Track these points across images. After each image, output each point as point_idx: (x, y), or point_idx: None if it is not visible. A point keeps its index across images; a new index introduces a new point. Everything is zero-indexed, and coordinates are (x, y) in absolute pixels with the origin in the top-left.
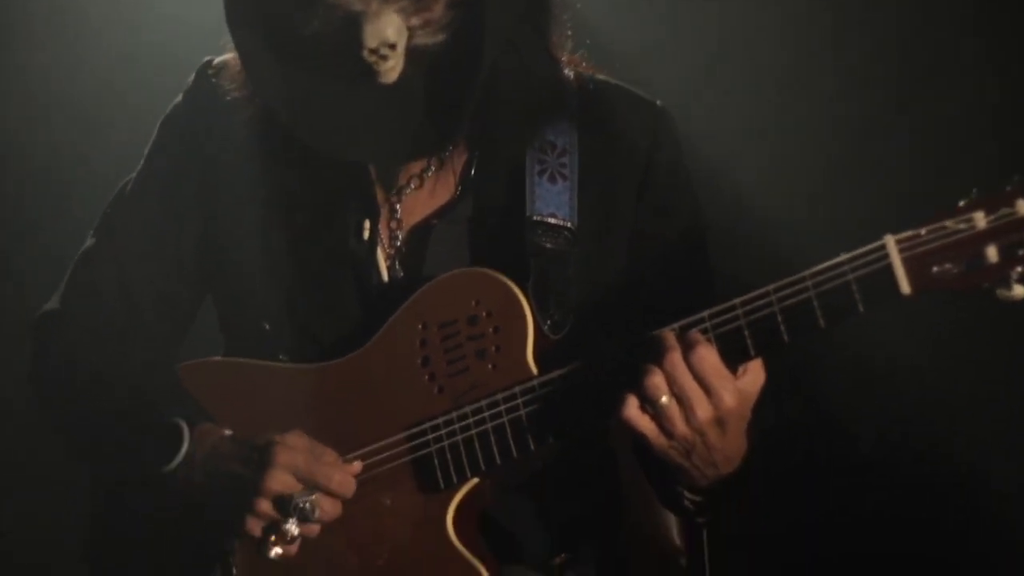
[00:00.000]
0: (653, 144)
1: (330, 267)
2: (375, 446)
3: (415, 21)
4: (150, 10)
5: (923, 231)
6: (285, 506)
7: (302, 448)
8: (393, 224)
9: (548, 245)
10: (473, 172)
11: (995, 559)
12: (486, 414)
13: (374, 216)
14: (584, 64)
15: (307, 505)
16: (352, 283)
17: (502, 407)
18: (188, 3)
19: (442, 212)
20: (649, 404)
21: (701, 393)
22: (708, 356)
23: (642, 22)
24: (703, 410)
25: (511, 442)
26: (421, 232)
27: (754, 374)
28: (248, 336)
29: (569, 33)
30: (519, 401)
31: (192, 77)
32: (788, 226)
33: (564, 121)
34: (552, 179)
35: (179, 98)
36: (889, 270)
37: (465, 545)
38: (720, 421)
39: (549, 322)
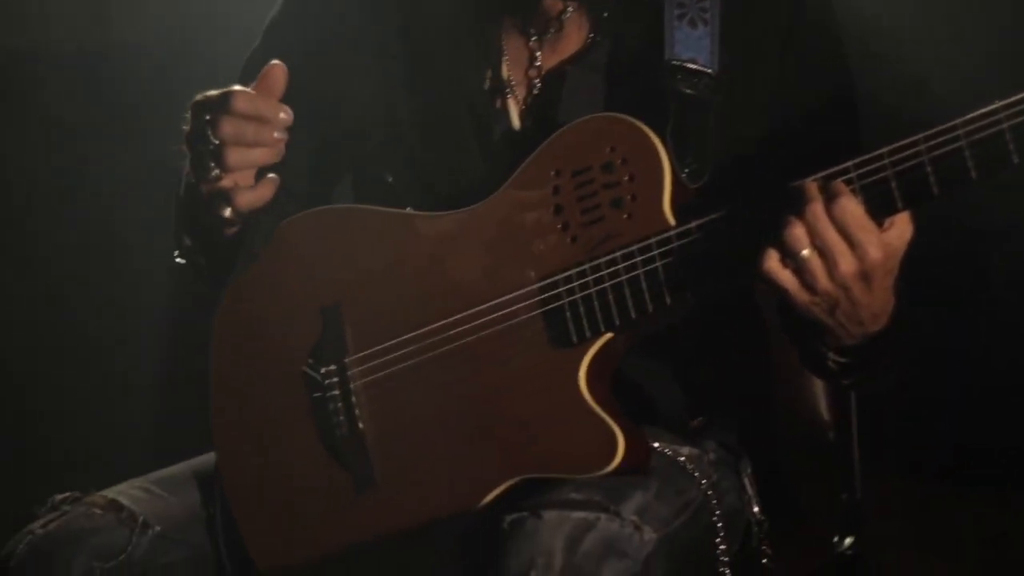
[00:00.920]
0: None
1: (453, 117)
2: (499, 301)
3: None
4: None
5: None
6: (195, 147)
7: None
8: (531, 72)
9: (687, 91)
10: (609, 16)
11: None
12: (621, 266)
13: (497, 64)
14: None
15: (202, 129)
16: (476, 134)
17: (637, 259)
18: None
19: (577, 58)
20: (790, 257)
21: (844, 246)
22: (851, 207)
23: None
24: (846, 263)
25: (646, 295)
26: (555, 79)
27: (901, 227)
28: (373, 189)
29: None
30: (655, 253)
31: None
32: (936, 77)
33: None
34: (692, 24)
35: None
36: None
37: (597, 403)
38: (865, 275)
39: (687, 171)
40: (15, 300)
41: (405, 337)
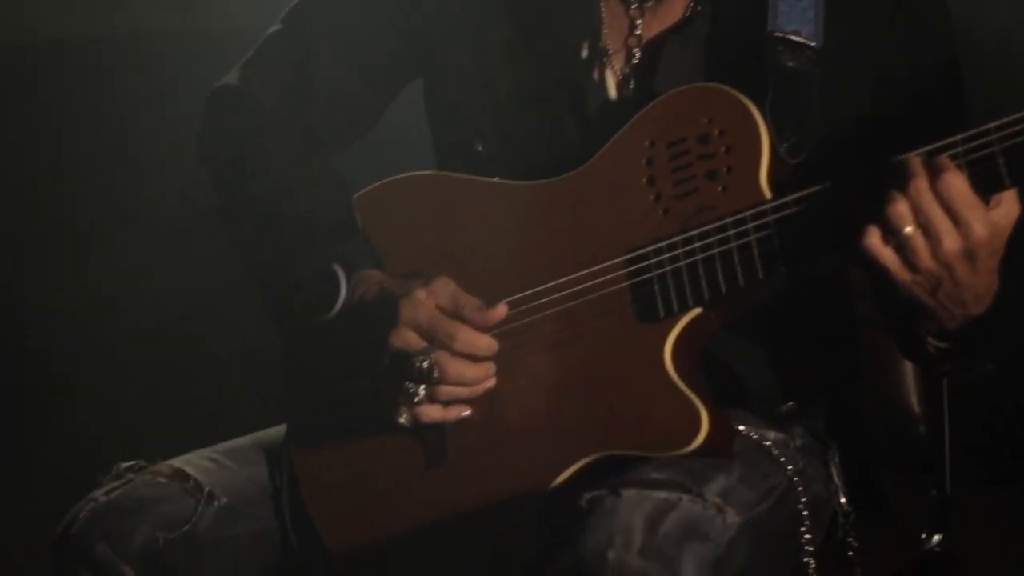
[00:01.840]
0: None
1: (549, 86)
2: (585, 272)
3: None
4: None
5: None
6: (402, 364)
7: (429, 301)
8: (631, 41)
9: (789, 64)
10: None
11: None
12: (713, 239)
13: (596, 33)
14: None
15: (425, 365)
16: (571, 103)
17: (731, 232)
18: None
19: (678, 27)
20: (892, 234)
21: (949, 223)
22: (957, 183)
23: None
24: (951, 241)
25: (738, 270)
26: (654, 48)
27: (1008, 205)
28: (461, 157)
29: None
30: (749, 226)
31: None
32: None
33: None
34: None
35: None
36: None
37: (682, 380)
38: (969, 254)
39: (786, 145)
40: (92, 269)
41: None
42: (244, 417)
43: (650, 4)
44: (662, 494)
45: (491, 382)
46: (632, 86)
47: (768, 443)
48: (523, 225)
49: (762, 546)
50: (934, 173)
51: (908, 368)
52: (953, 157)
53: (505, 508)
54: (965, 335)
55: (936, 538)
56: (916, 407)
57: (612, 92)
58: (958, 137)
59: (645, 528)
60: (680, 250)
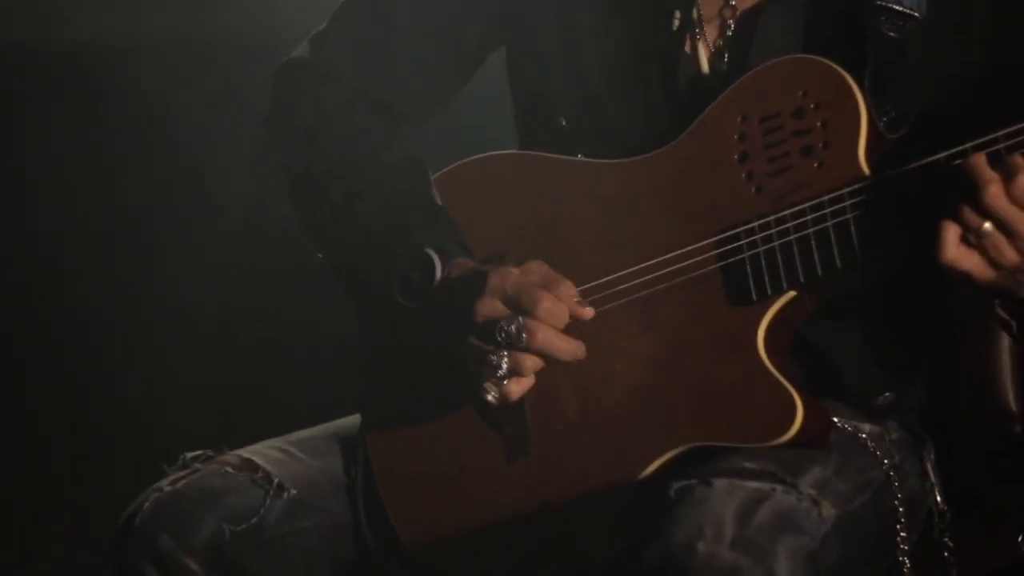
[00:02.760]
0: None
1: (638, 59)
2: (675, 254)
3: None
4: None
5: None
6: (491, 333)
7: (517, 273)
8: (726, 11)
9: (891, 34)
10: None
11: None
12: (808, 218)
13: (687, 3)
14: None
15: (513, 328)
16: (661, 77)
17: (827, 210)
18: None
19: None
20: (972, 235)
21: None
22: None
23: None
24: None
25: (835, 250)
26: (750, 18)
27: None
28: (544, 133)
29: None
30: (847, 204)
31: None
32: None
33: None
34: None
35: None
36: None
37: (776, 367)
38: None
39: (885, 119)
40: (149, 264)
41: None
42: (316, 407)
43: None
44: (755, 484)
45: (580, 353)
46: (725, 59)
47: (863, 436)
48: (610, 205)
49: (856, 542)
50: (1007, 175)
51: (1005, 365)
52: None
53: (589, 503)
54: None
55: None
56: (1013, 405)
57: (704, 65)
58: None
59: (737, 519)
60: (773, 230)
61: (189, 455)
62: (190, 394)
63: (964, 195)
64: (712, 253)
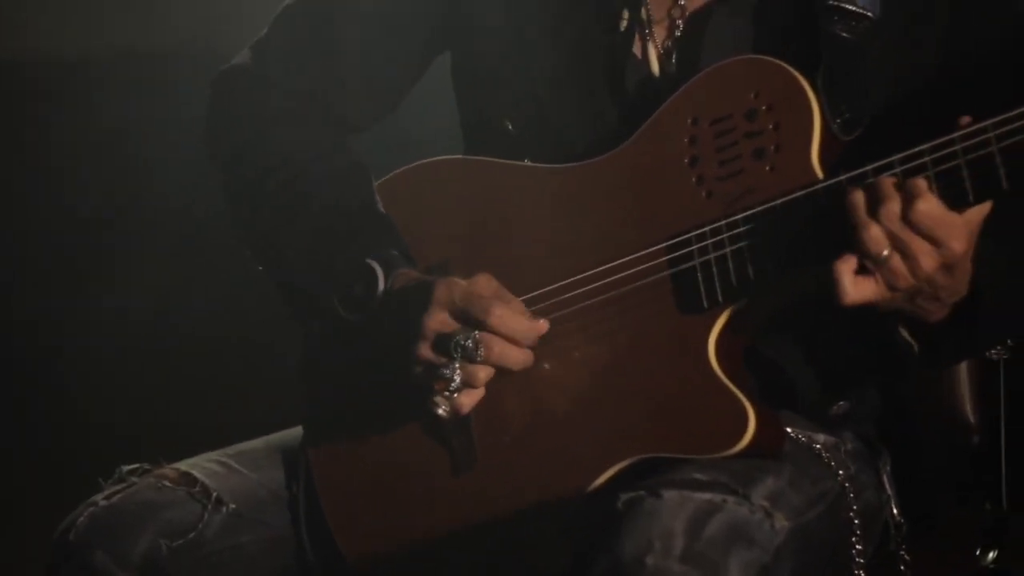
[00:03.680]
0: None
1: (585, 60)
2: (623, 261)
3: None
4: None
5: None
6: (445, 345)
7: (465, 284)
8: (675, 12)
9: (844, 34)
10: None
11: None
12: (761, 222)
13: (635, 4)
14: None
15: (469, 342)
16: (609, 79)
17: (780, 215)
18: None
19: None
20: (869, 259)
21: (926, 245)
22: (930, 209)
23: None
24: (930, 260)
25: (788, 256)
26: (700, 19)
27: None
28: (490, 139)
29: None
30: (801, 208)
31: None
32: None
33: None
34: None
35: None
36: None
37: (727, 376)
38: (949, 267)
39: (839, 120)
40: (95, 271)
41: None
42: (257, 419)
43: None
44: (706, 496)
45: (529, 361)
46: (675, 60)
47: (818, 446)
48: (557, 211)
49: (810, 555)
50: (907, 199)
51: (962, 375)
52: (922, 168)
53: (536, 515)
54: (946, 326)
55: (991, 555)
56: (971, 416)
57: (654, 67)
58: (926, 146)
59: (687, 532)
60: (725, 235)
61: (126, 468)
62: (127, 406)
63: (864, 217)
64: (662, 259)
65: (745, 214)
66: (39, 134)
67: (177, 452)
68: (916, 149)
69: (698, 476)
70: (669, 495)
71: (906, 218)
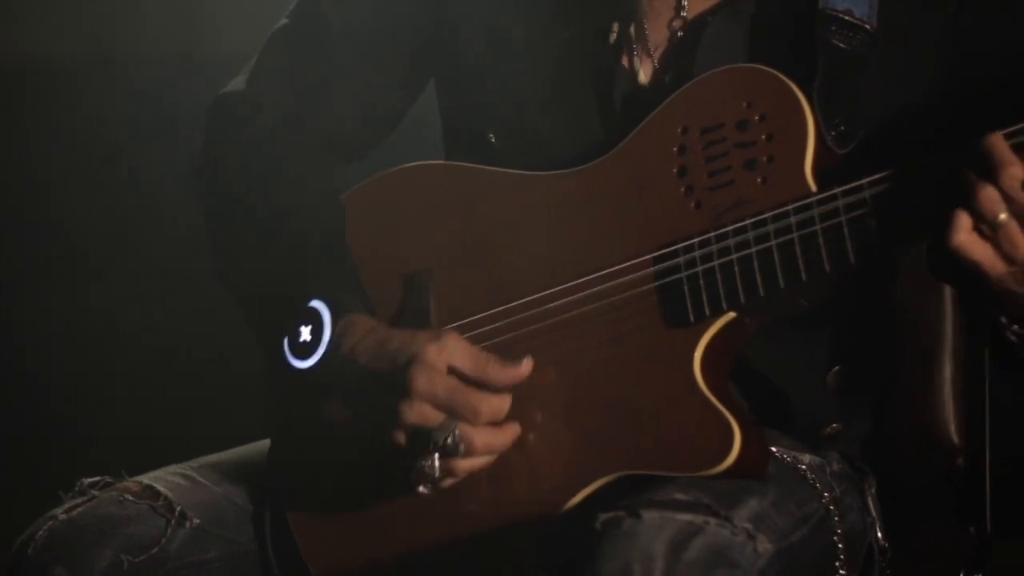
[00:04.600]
0: None
1: (569, 74)
2: (607, 271)
3: None
4: None
5: None
6: (424, 441)
7: (442, 366)
8: (676, 22)
9: (841, 45)
10: None
11: None
12: (750, 235)
13: (627, 16)
14: None
15: (449, 441)
16: (598, 89)
17: (770, 227)
18: None
19: (721, 7)
20: (987, 224)
21: None
22: None
23: None
24: None
25: (778, 271)
26: (695, 29)
27: None
28: (472, 149)
29: None
30: (792, 221)
31: None
32: None
33: None
34: None
35: None
36: None
37: (713, 392)
38: None
39: (834, 133)
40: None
41: (498, 310)
42: (223, 431)
43: None
44: (687, 517)
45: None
46: (670, 71)
47: (803, 467)
48: (540, 220)
49: None
50: None
51: (947, 396)
52: None
53: (511, 534)
54: None
55: None
56: (955, 437)
57: (643, 79)
58: None
59: (667, 554)
60: (713, 247)
61: (87, 481)
62: (88, 417)
63: (980, 179)
64: (648, 271)
65: (735, 226)
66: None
67: (140, 465)
68: None
69: (679, 496)
70: (649, 516)
71: None
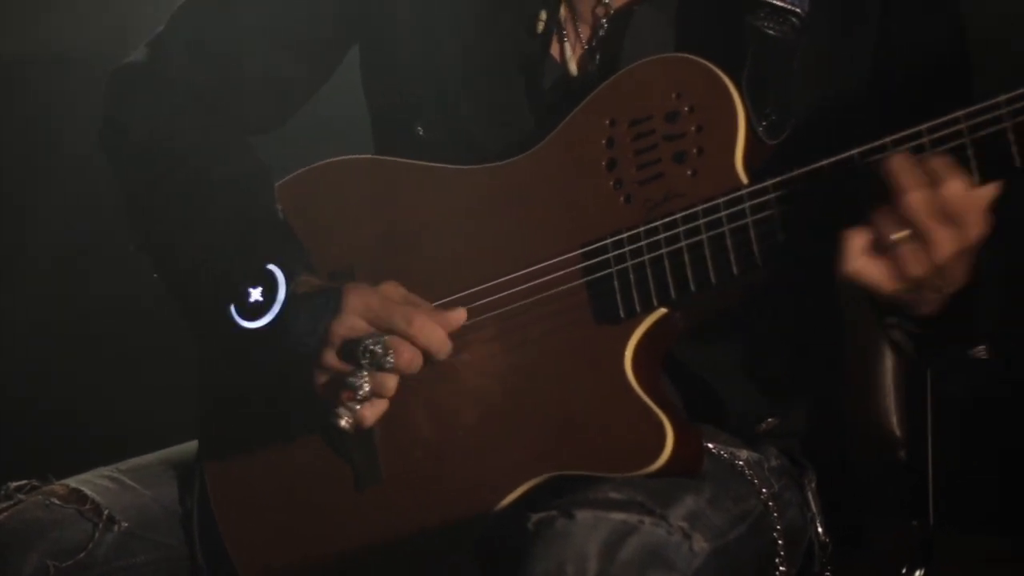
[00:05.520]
0: None
1: (497, 64)
2: (537, 267)
3: None
4: None
5: None
6: (352, 352)
7: (374, 292)
8: (599, 10)
9: (771, 32)
10: None
11: None
12: (680, 229)
13: (552, 5)
14: None
15: (378, 347)
16: (526, 80)
17: (701, 221)
18: None
19: None
20: (882, 245)
21: (947, 230)
22: (956, 187)
23: None
24: (949, 246)
25: (709, 265)
26: (622, 18)
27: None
28: (400, 142)
29: None
30: (722, 215)
31: None
32: None
33: None
34: None
35: None
36: None
37: (644, 389)
38: (965, 252)
39: (765, 123)
40: None
41: None
42: (150, 432)
43: None
44: (621, 516)
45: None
46: (596, 61)
47: (740, 463)
48: (469, 214)
49: None
50: (932, 180)
51: (889, 388)
52: (950, 139)
53: (443, 535)
54: (941, 318)
55: (918, 573)
56: (897, 430)
57: (573, 68)
58: (962, 113)
59: (601, 554)
60: (643, 242)
61: (12, 485)
62: (12, 419)
63: (880, 199)
64: (577, 267)
65: (664, 220)
66: None
67: (67, 468)
68: (949, 117)
69: (613, 495)
70: (582, 515)
71: (929, 199)
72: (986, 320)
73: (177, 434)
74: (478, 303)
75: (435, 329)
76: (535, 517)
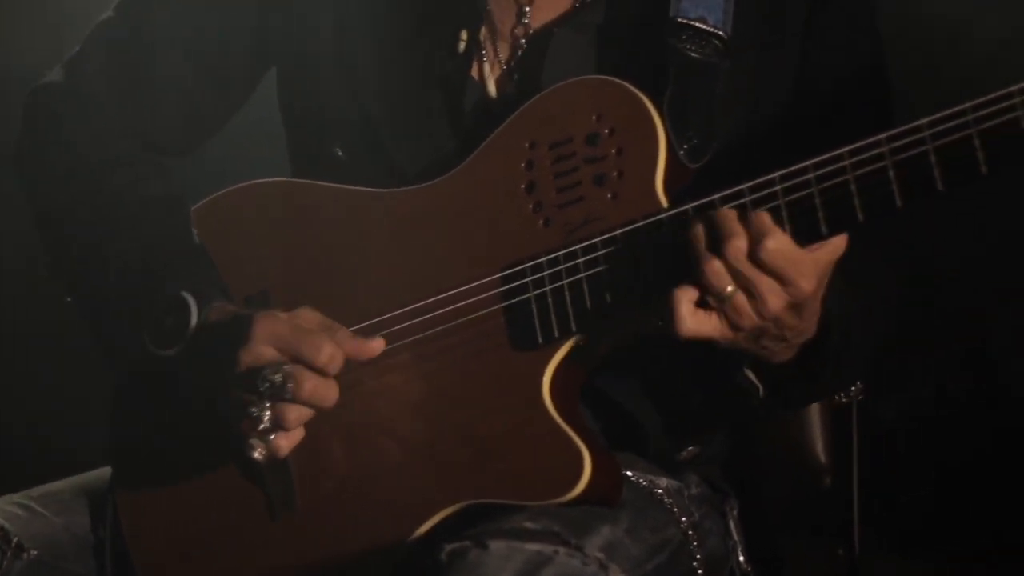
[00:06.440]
0: None
1: (417, 84)
2: (454, 292)
3: None
4: None
5: None
6: (252, 383)
7: (287, 318)
8: (518, 30)
9: (693, 54)
10: None
11: None
12: (600, 253)
13: (473, 24)
14: None
15: (277, 377)
16: (445, 102)
17: (621, 245)
18: None
19: (569, 16)
20: (714, 297)
21: (773, 283)
22: (779, 245)
23: None
24: (776, 299)
25: (629, 290)
26: (542, 38)
27: (836, 242)
28: (319, 164)
29: None
30: (642, 239)
31: None
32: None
33: None
34: None
35: None
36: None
37: (562, 416)
38: (797, 306)
39: (686, 147)
40: None
41: None
42: (61, 458)
43: None
44: (535, 546)
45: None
46: (515, 82)
47: (660, 491)
48: (386, 238)
49: None
50: (755, 234)
51: (814, 415)
52: (771, 197)
53: (359, 565)
54: (785, 371)
55: None
56: (822, 456)
57: (492, 89)
58: (777, 174)
59: None
60: (563, 266)
61: None
62: None
63: (707, 251)
64: (496, 291)
65: (583, 244)
66: None
67: None
68: (767, 177)
69: (528, 525)
70: (496, 546)
71: (753, 255)
72: (855, 366)
73: (90, 459)
74: (396, 327)
75: (339, 358)
76: (448, 547)
